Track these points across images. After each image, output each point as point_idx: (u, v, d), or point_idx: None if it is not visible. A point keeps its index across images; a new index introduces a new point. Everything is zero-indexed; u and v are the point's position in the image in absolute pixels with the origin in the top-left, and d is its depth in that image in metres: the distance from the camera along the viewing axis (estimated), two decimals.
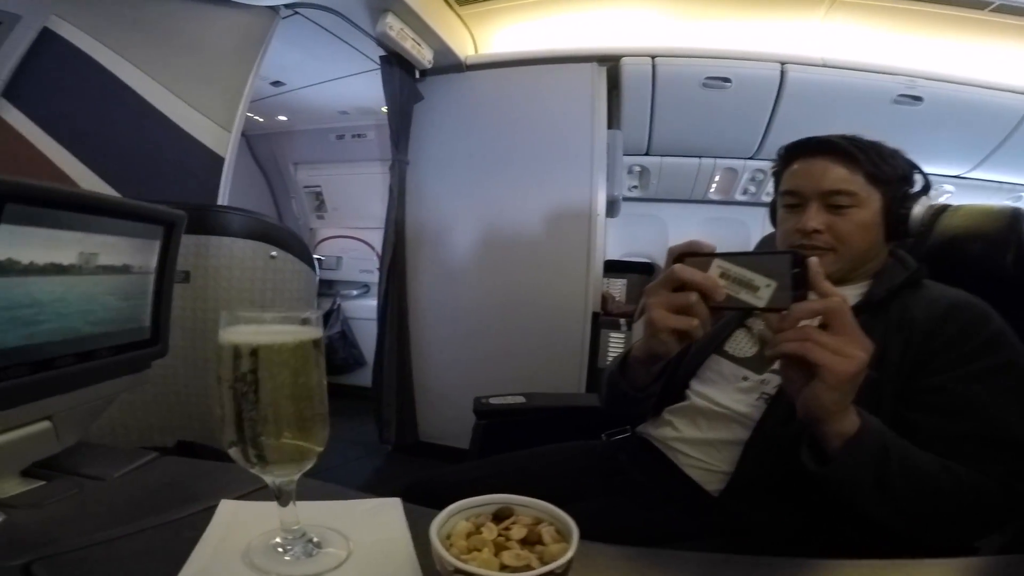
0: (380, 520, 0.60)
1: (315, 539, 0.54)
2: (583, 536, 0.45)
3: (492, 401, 1.32)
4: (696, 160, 2.98)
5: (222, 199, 1.85)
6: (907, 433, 0.68)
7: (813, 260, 0.61)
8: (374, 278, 3.38)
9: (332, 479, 0.71)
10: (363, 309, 3.76)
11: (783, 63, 2.45)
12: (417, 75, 2.61)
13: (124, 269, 0.74)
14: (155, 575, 0.50)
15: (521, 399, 1.33)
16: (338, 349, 3.66)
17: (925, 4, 2.22)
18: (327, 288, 3.99)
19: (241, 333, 0.49)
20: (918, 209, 0.86)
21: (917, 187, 0.88)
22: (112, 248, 0.72)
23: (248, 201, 3.28)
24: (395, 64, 2.42)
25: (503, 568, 0.43)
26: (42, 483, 0.68)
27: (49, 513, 0.61)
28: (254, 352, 0.48)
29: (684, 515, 0.84)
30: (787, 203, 0.91)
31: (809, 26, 2.40)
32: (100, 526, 0.57)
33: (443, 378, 2.75)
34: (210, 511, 0.60)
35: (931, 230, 1.01)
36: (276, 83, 3.10)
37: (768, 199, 1.02)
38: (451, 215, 2.71)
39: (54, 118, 1.49)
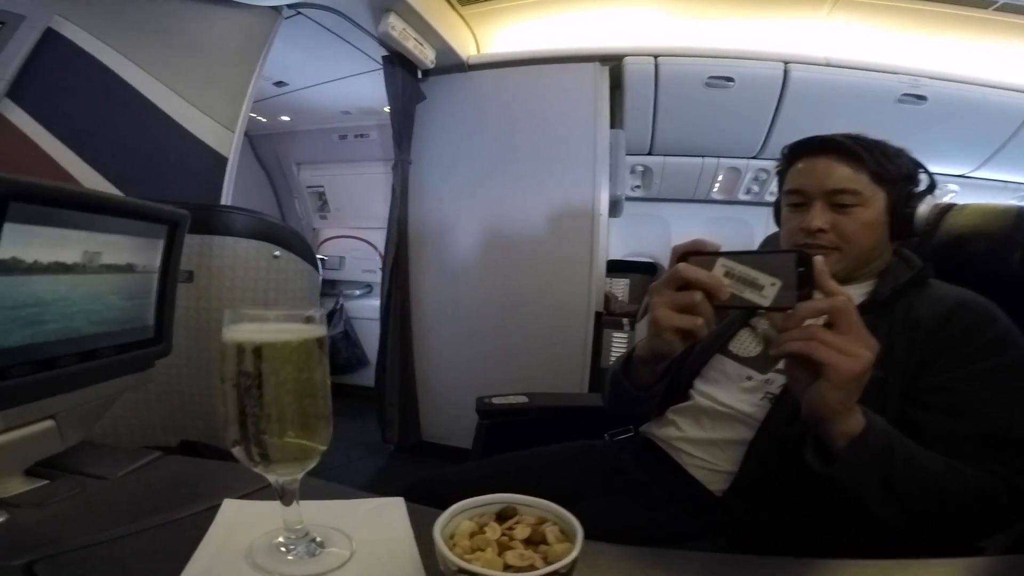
0: (383, 520, 0.60)
1: (318, 538, 0.54)
2: (586, 536, 0.44)
3: (495, 401, 1.32)
4: (699, 160, 2.97)
5: (225, 199, 1.85)
6: (912, 433, 0.67)
7: (818, 259, 0.60)
8: (377, 278, 3.39)
9: (335, 479, 0.71)
10: (366, 309, 3.76)
11: (786, 62, 2.44)
12: (419, 75, 2.61)
13: (128, 268, 0.74)
14: (158, 574, 0.49)
15: (524, 399, 1.33)
16: (341, 349, 3.67)
17: (929, 3, 2.21)
18: (330, 288, 4.00)
19: (245, 331, 0.49)
20: (923, 208, 0.85)
21: (922, 186, 0.88)
22: (116, 247, 0.72)
23: (251, 201, 3.28)
24: (397, 64, 2.42)
25: (507, 568, 0.42)
26: (45, 482, 0.68)
27: (52, 512, 0.61)
28: (258, 350, 0.48)
29: (687, 515, 0.83)
30: (791, 202, 0.90)
31: (812, 25, 2.40)
32: (103, 525, 0.57)
33: (446, 378, 2.75)
34: (213, 510, 0.60)
35: (936, 229, 1.01)
36: (279, 83, 3.10)
37: (771, 199, 1.02)
38: (454, 215, 2.71)
39: (58, 118, 1.50)
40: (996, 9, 2.17)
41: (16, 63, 1.38)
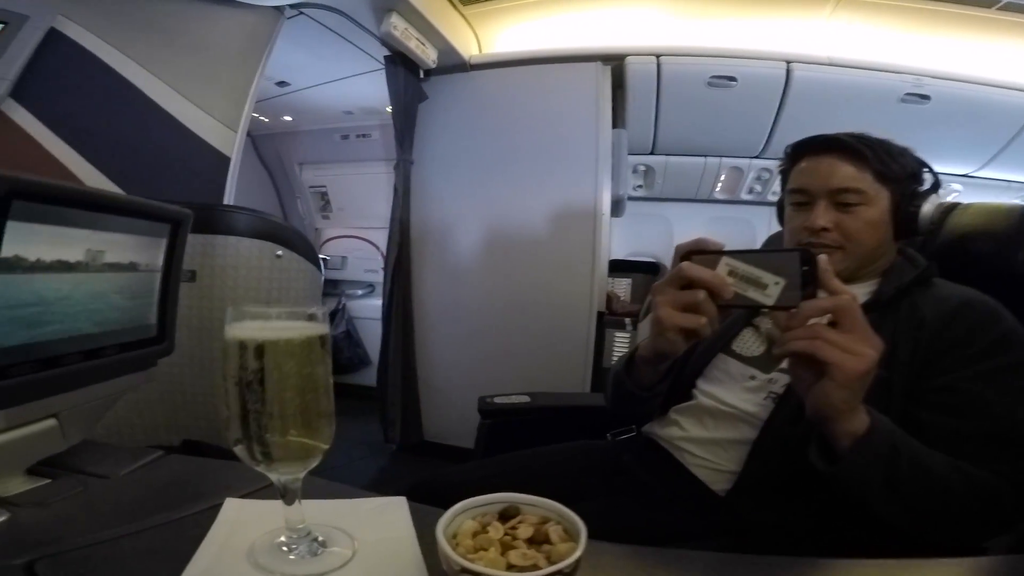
0: (385, 519, 0.60)
1: (320, 538, 0.53)
2: (588, 536, 0.44)
3: (497, 401, 1.31)
4: (701, 159, 2.97)
5: (228, 199, 1.85)
6: (916, 432, 0.67)
7: (822, 257, 0.60)
8: (379, 278, 3.40)
9: (337, 479, 0.71)
10: (368, 309, 3.76)
11: (789, 62, 2.44)
12: (421, 75, 2.61)
13: (131, 267, 0.74)
14: (159, 574, 0.49)
15: (526, 399, 1.33)
16: (343, 349, 3.67)
17: (932, 3, 2.21)
18: (332, 288, 4.00)
19: (247, 329, 0.48)
20: (927, 207, 0.85)
21: (926, 185, 0.87)
22: (119, 246, 0.72)
23: (254, 201, 3.27)
24: (399, 64, 2.43)
25: (510, 568, 0.42)
26: (47, 481, 0.68)
27: (54, 511, 0.61)
28: (260, 348, 0.47)
29: (690, 515, 0.83)
30: (795, 201, 0.90)
31: (815, 24, 2.39)
32: (104, 524, 0.57)
33: (448, 377, 2.75)
34: (215, 509, 0.60)
35: (940, 228, 1.00)
36: (281, 83, 3.11)
37: (774, 198, 1.02)
38: (456, 215, 2.71)
39: (61, 118, 1.50)
40: (1000, 8, 2.16)
41: (20, 63, 1.38)
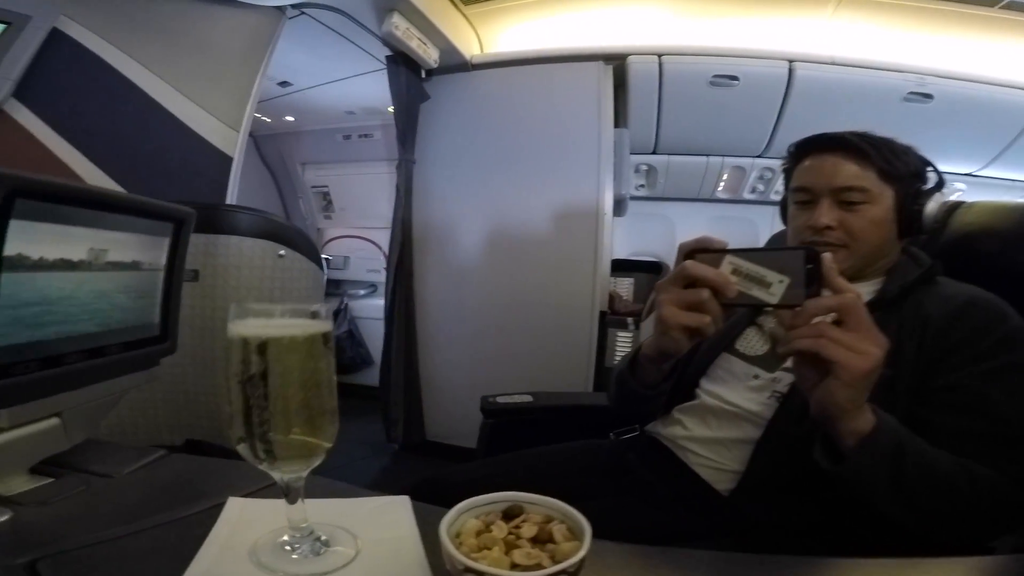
0: (388, 518, 0.60)
1: (323, 537, 0.53)
2: (592, 535, 0.44)
3: (499, 400, 1.31)
4: (704, 159, 2.97)
5: (230, 199, 1.86)
6: (922, 431, 0.67)
7: (827, 256, 0.60)
8: (381, 278, 3.40)
9: (339, 478, 0.71)
10: (370, 308, 3.77)
11: (791, 61, 2.44)
12: (423, 74, 2.61)
13: (134, 265, 0.74)
14: (162, 573, 0.49)
15: (528, 398, 1.33)
16: (345, 348, 3.67)
17: (934, 1, 2.20)
18: (334, 288, 4.01)
19: (250, 326, 0.48)
20: (931, 205, 0.85)
21: (930, 184, 0.87)
22: (122, 244, 0.72)
23: (256, 201, 3.27)
24: (401, 64, 2.43)
25: (514, 567, 0.42)
26: (50, 480, 0.68)
27: (56, 510, 0.61)
28: (263, 345, 0.47)
29: (694, 514, 0.83)
30: (798, 200, 0.90)
31: (817, 23, 2.39)
32: (107, 523, 0.57)
33: (450, 377, 2.75)
34: (218, 509, 0.60)
35: (945, 227, 1.00)
36: (283, 83, 3.11)
37: (776, 197, 1.02)
38: (458, 214, 2.71)
39: (63, 118, 1.50)
40: (1002, 7, 2.16)
41: (22, 63, 1.38)
